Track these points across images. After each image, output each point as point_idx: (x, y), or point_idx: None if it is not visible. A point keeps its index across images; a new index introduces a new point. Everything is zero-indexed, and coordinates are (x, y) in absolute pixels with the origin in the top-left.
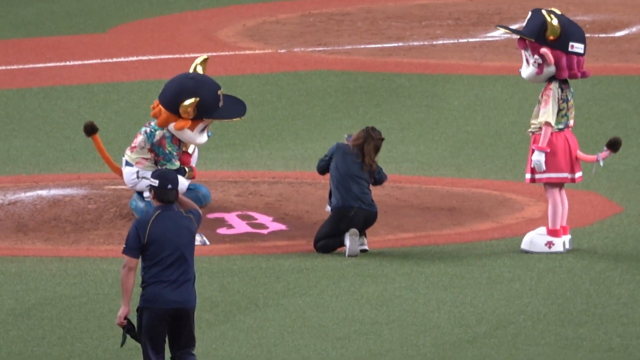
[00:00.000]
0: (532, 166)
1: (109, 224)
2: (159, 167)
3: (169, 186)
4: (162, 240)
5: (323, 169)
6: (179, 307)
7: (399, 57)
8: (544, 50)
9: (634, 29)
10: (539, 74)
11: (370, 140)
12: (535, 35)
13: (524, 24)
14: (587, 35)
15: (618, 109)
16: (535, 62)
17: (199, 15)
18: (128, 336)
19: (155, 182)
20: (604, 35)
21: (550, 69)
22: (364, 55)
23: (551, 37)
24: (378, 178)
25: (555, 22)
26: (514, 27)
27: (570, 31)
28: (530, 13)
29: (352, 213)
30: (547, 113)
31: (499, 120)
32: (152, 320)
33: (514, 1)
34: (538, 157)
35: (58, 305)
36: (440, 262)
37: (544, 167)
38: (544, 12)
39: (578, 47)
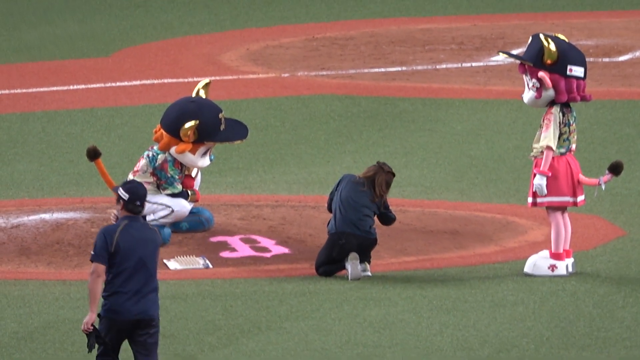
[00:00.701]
0: (533, 190)
1: None
2: (162, 191)
3: (138, 203)
4: (127, 250)
5: (332, 193)
6: (140, 317)
7: (402, 81)
8: (541, 74)
9: (637, 54)
10: (538, 98)
11: (382, 173)
12: (534, 59)
13: (525, 49)
14: (590, 59)
15: (621, 133)
16: (533, 85)
17: (202, 39)
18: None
19: (126, 197)
20: (607, 59)
21: (549, 93)
22: (367, 80)
23: (549, 61)
24: (387, 212)
25: (552, 46)
26: (516, 51)
27: (569, 55)
28: (530, 38)
29: (342, 240)
30: (548, 137)
31: (502, 145)
32: (111, 329)
33: (517, 26)
34: (539, 181)
35: (61, 328)
36: (443, 286)
37: (545, 191)
38: (541, 36)
39: (577, 71)
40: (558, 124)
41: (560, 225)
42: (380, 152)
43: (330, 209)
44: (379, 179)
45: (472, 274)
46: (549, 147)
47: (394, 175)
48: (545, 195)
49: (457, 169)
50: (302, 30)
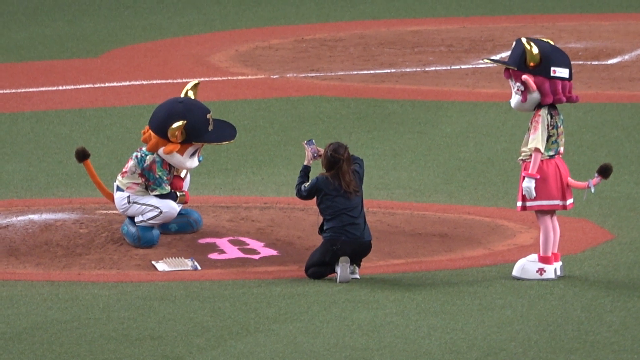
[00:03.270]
0: (522, 193)
1: (100, 249)
2: (150, 192)
3: None
4: None
5: (304, 197)
6: None
7: (391, 83)
8: (524, 77)
9: (626, 57)
10: (524, 101)
11: (340, 162)
12: (517, 63)
13: (509, 54)
14: (579, 62)
15: (610, 136)
16: (518, 89)
17: (191, 40)
18: None
19: None
20: (596, 62)
21: (534, 96)
22: (356, 81)
23: (531, 64)
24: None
25: (534, 49)
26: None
27: (552, 56)
28: (514, 43)
29: (337, 246)
30: (536, 139)
31: (491, 147)
32: None
33: (507, 28)
34: (528, 184)
35: (49, 329)
36: (432, 289)
37: (534, 194)
38: (523, 40)
39: (561, 72)
40: (546, 126)
41: (549, 228)
42: (369, 153)
43: (302, 198)
44: (342, 170)
45: (461, 277)
46: (537, 150)
47: (346, 147)
48: (535, 199)
49: (446, 172)
50: (292, 32)
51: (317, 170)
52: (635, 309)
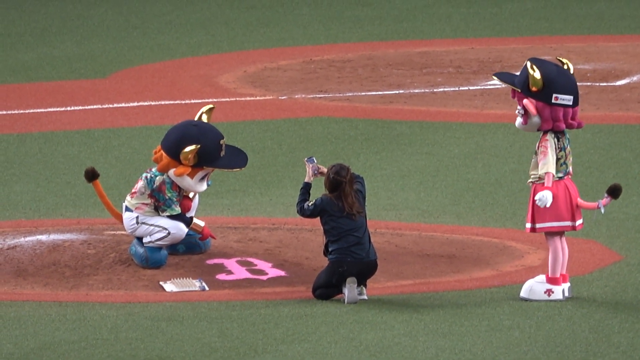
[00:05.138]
0: (532, 214)
1: (108, 269)
2: (160, 213)
3: None
4: None
5: (307, 216)
6: None
7: (399, 104)
8: (525, 101)
9: (634, 78)
10: (524, 124)
11: (343, 184)
12: (521, 85)
13: (519, 74)
14: (587, 83)
15: (618, 157)
16: (519, 112)
17: (199, 61)
18: None
19: None
20: (604, 84)
21: (535, 120)
22: (364, 103)
23: (534, 89)
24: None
25: (537, 74)
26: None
27: (555, 83)
28: (526, 62)
29: (344, 267)
30: (547, 164)
31: (499, 169)
32: None
33: (515, 49)
34: (545, 194)
35: (57, 350)
36: (440, 310)
37: (547, 203)
38: (528, 63)
39: (564, 99)
40: (554, 149)
41: (559, 249)
42: (377, 174)
43: (303, 216)
44: (344, 192)
45: (469, 298)
46: (548, 173)
47: (348, 169)
48: (545, 220)
49: (454, 193)
50: (300, 53)
51: (318, 188)
52: None
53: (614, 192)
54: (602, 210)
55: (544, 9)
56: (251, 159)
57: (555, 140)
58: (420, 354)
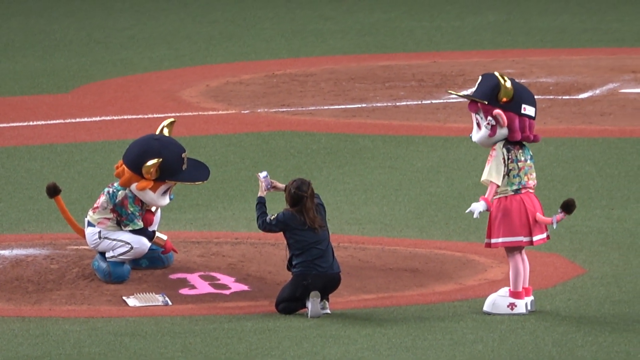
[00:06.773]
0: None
1: (71, 284)
2: (123, 228)
3: None
4: None
5: (270, 230)
6: None
7: (362, 118)
8: (497, 111)
9: (597, 91)
10: (492, 136)
11: (304, 199)
12: (488, 97)
13: (475, 88)
14: (550, 97)
15: (581, 171)
16: (488, 123)
17: (162, 75)
18: None
19: None
20: (567, 97)
21: (503, 131)
22: (327, 116)
23: (504, 99)
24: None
25: (508, 84)
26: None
27: (522, 94)
28: (480, 77)
29: (308, 280)
30: (487, 172)
31: (462, 182)
32: None
33: (477, 63)
34: (476, 205)
35: None
36: (403, 324)
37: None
38: (497, 74)
39: (530, 110)
40: (502, 160)
41: (519, 264)
42: (340, 188)
43: (267, 227)
44: (305, 207)
45: (432, 312)
46: (492, 184)
47: (309, 184)
48: (499, 236)
49: (417, 207)
50: (262, 67)
51: (279, 202)
52: (606, 344)
53: (567, 207)
54: (554, 226)
55: (506, 23)
56: (214, 173)
57: (505, 151)
58: None
